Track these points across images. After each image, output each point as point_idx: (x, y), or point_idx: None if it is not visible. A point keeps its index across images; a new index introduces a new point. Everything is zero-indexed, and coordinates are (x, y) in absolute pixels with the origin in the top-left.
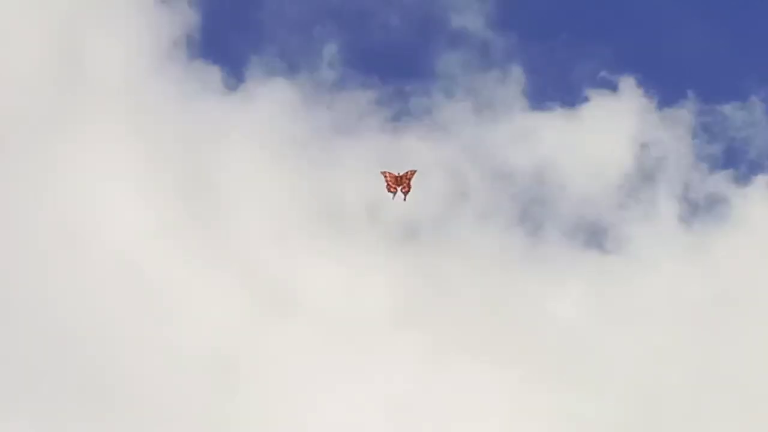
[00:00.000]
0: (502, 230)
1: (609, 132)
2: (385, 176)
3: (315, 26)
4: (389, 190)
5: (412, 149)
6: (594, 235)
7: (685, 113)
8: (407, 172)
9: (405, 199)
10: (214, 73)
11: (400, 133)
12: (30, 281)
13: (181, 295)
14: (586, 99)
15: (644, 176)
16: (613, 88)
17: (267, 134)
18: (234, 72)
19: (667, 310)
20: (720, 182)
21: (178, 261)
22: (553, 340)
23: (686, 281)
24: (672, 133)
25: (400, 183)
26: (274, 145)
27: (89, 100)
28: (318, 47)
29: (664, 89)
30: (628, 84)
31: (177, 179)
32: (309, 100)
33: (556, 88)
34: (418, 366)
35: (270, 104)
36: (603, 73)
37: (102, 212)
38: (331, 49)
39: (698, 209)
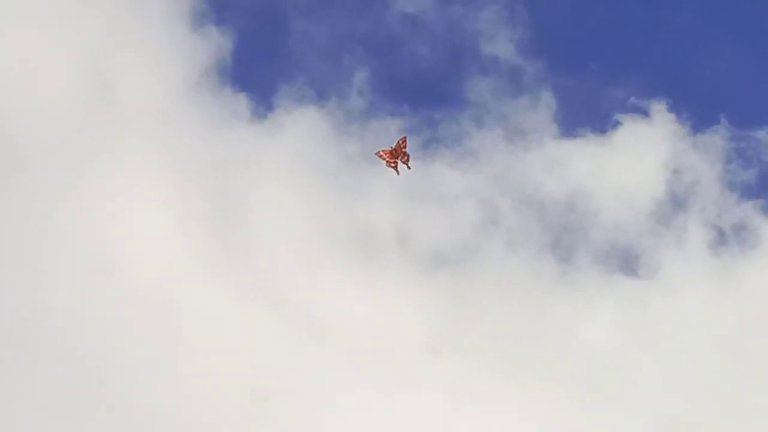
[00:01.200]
0: (532, 257)
1: (640, 158)
2: (381, 156)
3: (344, 54)
4: (390, 166)
5: (442, 177)
6: (625, 262)
7: (717, 139)
8: (399, 142)
9: (409, 168)
10: (244, 102)
11: (429, 161)
12: (62, 311)
13: (212, 324)
14: (617, 125)
15: (675, 202)
16: (644, 113)
17: (296, 162)
18: (263, 100)
19: (696, 337)
20: (751, 209)
21: (208, 289)
22: (584, 366)
23: (716, 308)
24: (704, 159)
25: (397, 156)
26: (303, 174)
27: (120, 127)
28: (348, 75)
29: (697, 114)
30: (659, 109)
31: (207, 208)
32: (339, 128)
33: (587, 114)
34: (449, 393)
35: (299, 132)
36: (634, 99)
37: (133, 241)
38: (360, 77)
39: (729, 236)
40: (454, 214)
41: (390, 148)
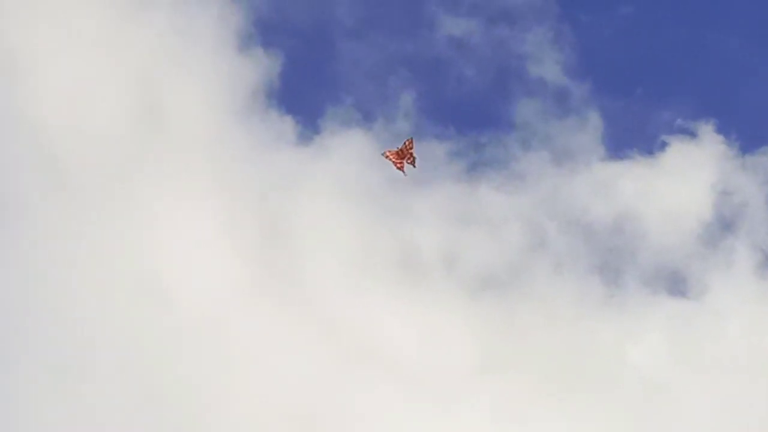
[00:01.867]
0: (579, 279)
1: (688, 179)
2: (388, 157)
3: (391, 76)
4: (397, 168)
5: (488, 199)
6: (673, 283)
7: (766, 160)
8: (405, 143)
9: (415, 166)
10: (290, 124)
11: (476, 184)
12: (113, 335)
13: (261, 346)
14: (665, 146)
15: (723, 224)
16: (692, 134)
17: (343, 185)
18: (310, 123)
19: (745, 358)
20: None
21: (256, 312)
22: (632, 387)
23: (765, 330)
24: (753, 180)
25: (403, 157)
26: (350, 196)
27: (169, 151)
28: (394, 97)
29: (745, 135)
30: (707, 131)
31: (255, 231)
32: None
33: (635, 136)
34: (497, 414)
35: (346, 155)
36: (682, 120)
37: (182, 265)
38: (407, 99)
39: None
40: (500, 236)
41: (396, 149)
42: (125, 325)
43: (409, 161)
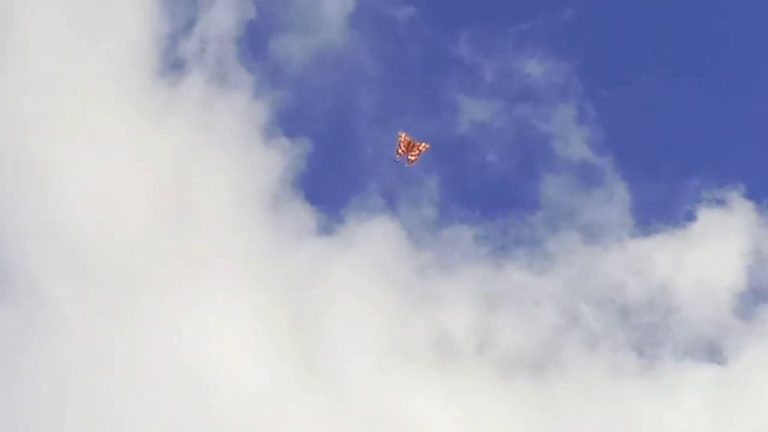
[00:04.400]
0: (614, 355)
1: (720, 249)
2: (401, 137)
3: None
4: (398, 152)
5: (517, 281)
6: (709, 354)
7: None
8: (421, 144)
9: (408, 164)
10: (316, 215)
11: (504, 265)
12: (151, 426)
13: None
14: (694, 216)
15: (757, 291)
16: (721, 202)
17: (371, 273)
18: (334, 212)
19: None
20: None
21: (293, 404)
22: None
23: None
24: None
25: (410, 150)
26: (378, 284)
27: (196, 249)
28: (418, 183)
29: None
30: (736, 197)
31: (286, 324)
32: (411, 237)
33: (663, 207)
34: None
35: (372, 243)
36: (709, 188)
37: (216, 362)
38: (431, 184)
39: None
40: (531, 317)
41: (410, 139)
42: (163, 424)
43: (410, 157)
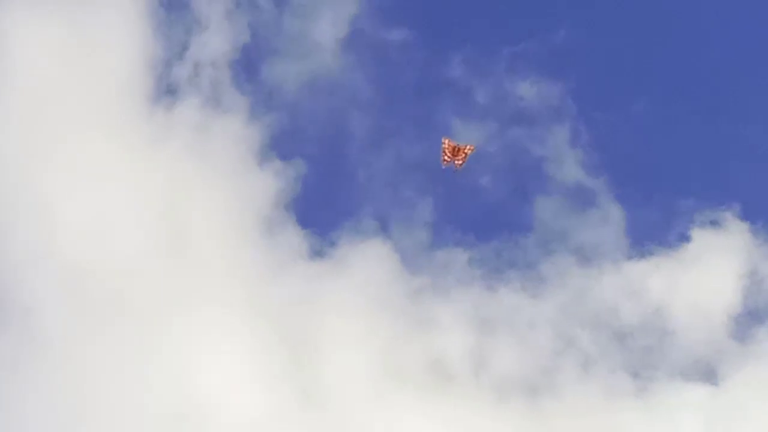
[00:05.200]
0: (609, 377)
1: (715, 270)
2: (444, 144)
3: (406, 184)
4: (444, 160)
5: (512, 303)
6: (704, 375)
7: None
8: (467, 146)
9: (455, 170)
10: (309, 238)
11: (498, 288)
12: None
13: None
14: (689, 237)
15: (753, 314)
16: (715, 223)
17: (365, 297)
18: (328, 235)
19: None
20: None
21: (287, 426)
22: None
23: None
24: None
25: (456, 154)
26: (373, 308)
27: (192, 275)
28: (411, 206)
29: None
30: (730, 217)
31: (280, 344)
32: (405, 261)
33: (658, 229)
34: None
35: (366, 266)
36: (704, 209)
37: (213, 389)
38: (424, 207)
39: None
40: (526, 340)
41: (455, 144)
42: None
43: (457, 162)
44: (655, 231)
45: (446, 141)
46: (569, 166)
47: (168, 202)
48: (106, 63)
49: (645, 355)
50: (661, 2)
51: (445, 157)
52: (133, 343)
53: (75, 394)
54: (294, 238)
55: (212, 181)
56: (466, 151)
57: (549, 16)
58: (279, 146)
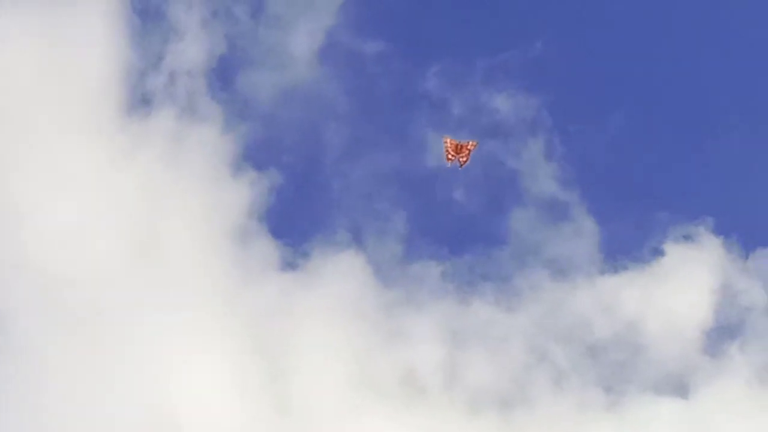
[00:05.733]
0: (581, 391)
1: (688, 285)
2: (446, 143)
3: (381, 196)
4: (447, 158)
5: (486, 317)
6: (675, 389)
7: (767, 258)
8: (469, 142)
9: (461, 167)
10: (282, 249)
11: (471, 302)
12: None
13: None
14: (663, 251)
15: (725, 330)
16: (689, 237)
17: (337, 308)
18: (301, 247)
19: None
20: None
21: None
22: None
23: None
24: (754, 282)
25: (459, 152)
26: (345, 319)
27: (165, 284)
28: (384, 218)
29: (743, 235)
30: (704, 232)
31: (252, 355)
32: (378, 273)
33: (631, 244)
34: None
35: (339, 278)
36: (678, 223)
37: (183, 396)
38: (398, 220)
39: None
40: (499, 354)
41: (457, 141)
42: None
43: (462, 159)
44: (628, 245)
45: (447, 140)
46: (544, 180)
47: (142, 211)
48: (82, 71)
49: (617, 369)
50: (637, 17)
51: (449, 156)
52: (105, 352)
53: (48, 401)
54: (267, 248)
55: (186, 190)
56: (468, 147)
57: (525, 29)
58: (253, 156)
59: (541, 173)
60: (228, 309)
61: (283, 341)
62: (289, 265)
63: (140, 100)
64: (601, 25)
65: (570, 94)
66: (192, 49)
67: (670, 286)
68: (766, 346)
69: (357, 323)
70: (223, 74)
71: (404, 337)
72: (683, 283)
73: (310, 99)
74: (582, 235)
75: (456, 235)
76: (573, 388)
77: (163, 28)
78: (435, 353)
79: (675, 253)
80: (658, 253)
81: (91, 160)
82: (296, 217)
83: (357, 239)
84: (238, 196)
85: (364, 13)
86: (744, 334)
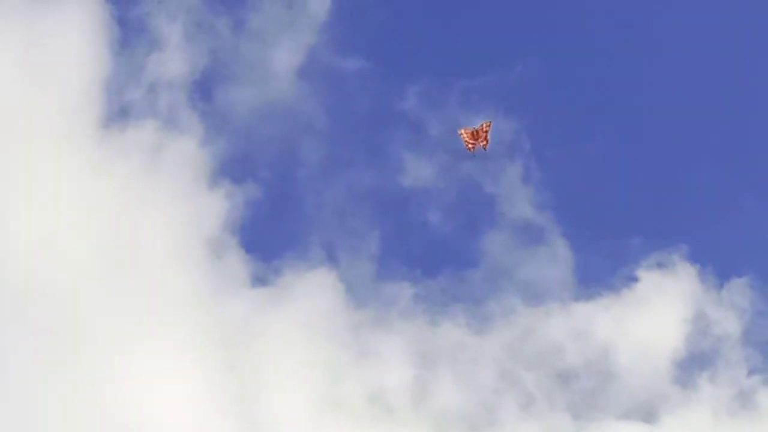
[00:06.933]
0: (550, 416)
1: (661, 313)
2: (463, 135)
3: (355, 215)
4: (468, 148)
5: (456, 339)
6: (645, 416)
7: (741, 289)
8: (482, 125)
9: (486, 149)
10: (255, 264)
11: (442, 323)
12: None
13: None
14: (636, 279)
15: (695, 358)
16: (663, 265)
17: (308, 326)
18: (274, 263)
19: None
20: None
21: None
22: None
23: None
24: (728, 313)
25: (477, 138)
26: (316, 337)
27: (138, 295)
28: (359, 237)
29: (718, 264)
30: (678, 259)
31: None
32: (350, 291)
33: (605, 270)
34: None
35: (310, 295)
36: (651, 251)
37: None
38: (371, 239)
39: (750, 395)
40: (468, 376)
41: (472, 129)
42: None
43: (482, 143)
44: (602, 271)
45: (463, 131)
46: (520, 204)
47: (118, 222)
48: (61, 81)
49: (587, 396)
50: (616, 44)
51: (469, 145)
52: (75, 363)
53: (17, 413)
54: (239, 263)
55: (163, 202)
56: (484, 129)
57: (505, 52)
58: (230, 170)
59: (518, 197)
60: (197, 324)
61: (252, 358)
62: (260, 281)
63: (119, 112)
64: (581, 51)
65: (548, 119)
66: (173, 61)
67: (643, 314)
68: (736, 377)
69: (327, 341)
70: (203, 87)
71: (374, 357)
72: (656, 311)
73: (288, 115)
74: (556, 260)
75: (429, 257)
76: (541, 413)
77: (145, 39)
78: (404, 374)
79: (649, 280)
80: (631, 279)
81: (68, 170)
82: (270, 233)
83: (330, 257)
84: (213, 209)
85: (346, 32)
86: (715, 365)
